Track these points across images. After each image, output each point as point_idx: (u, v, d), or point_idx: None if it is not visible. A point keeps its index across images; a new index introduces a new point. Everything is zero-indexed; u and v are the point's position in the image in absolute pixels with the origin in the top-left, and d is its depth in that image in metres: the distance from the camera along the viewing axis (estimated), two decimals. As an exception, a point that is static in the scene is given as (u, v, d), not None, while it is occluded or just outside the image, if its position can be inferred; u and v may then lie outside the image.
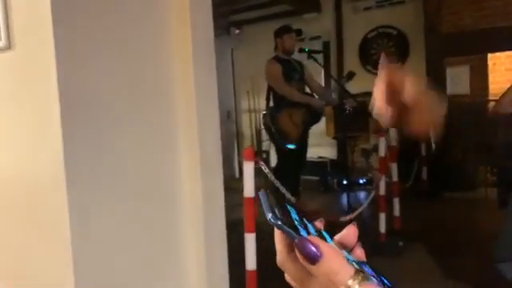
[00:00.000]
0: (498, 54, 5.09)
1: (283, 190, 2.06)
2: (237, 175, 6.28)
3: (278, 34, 3.87)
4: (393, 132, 3.31)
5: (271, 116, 3.60)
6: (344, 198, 4.06)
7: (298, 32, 3.96)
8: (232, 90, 6.64)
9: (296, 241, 0.32)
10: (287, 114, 3.58)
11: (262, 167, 1.95)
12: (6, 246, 1.49)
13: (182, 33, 1.68)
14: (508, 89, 2.68)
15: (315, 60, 3.64)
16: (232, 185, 3.71)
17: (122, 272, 1.51)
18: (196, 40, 1.69)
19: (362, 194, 4.77)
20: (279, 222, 0.33)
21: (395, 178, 3.37)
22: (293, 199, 2.18)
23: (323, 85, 5.41)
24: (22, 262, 1.47)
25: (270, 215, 0.33)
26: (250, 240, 1.89)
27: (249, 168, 1.84)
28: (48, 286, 1.41)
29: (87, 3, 1.37)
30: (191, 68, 1.69)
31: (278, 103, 3.68)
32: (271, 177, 1.96)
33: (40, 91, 1.27)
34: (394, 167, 3.37)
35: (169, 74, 1.69)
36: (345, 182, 4.81)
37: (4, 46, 1.26)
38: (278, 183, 1.97)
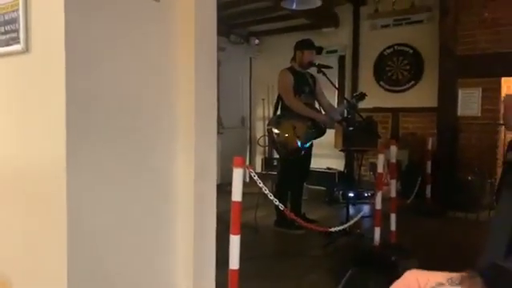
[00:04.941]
0: (513, 78, 5.08)
1: (271, 196, 2.19)
2: (247, 179, 6.41)
3: (300, 47, 3.89)
4: (393, 149, 3.39)
5: (276, 124, 3.71)
6: (347, 211, 4.13)
7: (319, 50, 4.04)
8: (248, 97, 6.80)
9: None
10: (291, 126, 3.69)
11: (252, 174, 2.08)
12: (6, 231, 1.65)
13: (185, 46, 1.82)
14: None
15: (324, 74, 3.74)
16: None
17: (113, 264, 1.64)
18: (198, 53, 1.83)
19: (365, 208, 4.82)
20: None
21: (393, 194, 3.43)
22: (281, 206, 2.29)
23: (336, 98, 5.53)
24: (20, 246, 1.62)
25: None
26: (235, 241, 2.02)
27: (238, 174, 1.98)
28: (42, 271, 1.55)
29: (100, 14, 1.53)
30: (193, 80, 1.82)
31: (285, 113, 3.80)
32: (260, 183, 2.09)
33: (50, 92, 1.44)
34: (392, 183, 3.44)
35: (172, 83, 1.82)
36: (351, 195, 4.88)
37: (22, 49, 1.44)
38: (265, 189, 2.10)
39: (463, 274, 0.46)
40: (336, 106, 4.89)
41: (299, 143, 3.67)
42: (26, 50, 1.44)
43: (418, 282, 0.49)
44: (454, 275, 0.46)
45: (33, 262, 1.58)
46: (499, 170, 4.59)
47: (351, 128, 3.69)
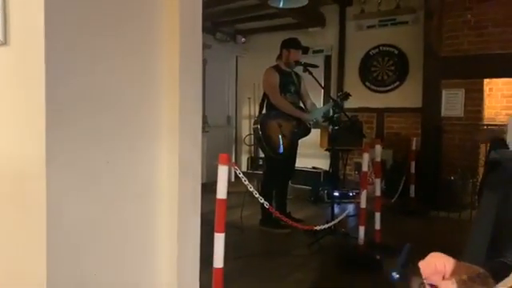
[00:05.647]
0: (495, 79, 5.17)
1: (256, 194, 2.17)
2: (232, 179, 6.39)
3: (287, 45, 3.88)
4: (378, 148, 3.41)
5: (261, 123, 3.69)
6: (331, 210, 4.14)
7: (306, 49, 4.04)
8: (234, 96, 6.77)
9: None
10: (277, 124, 3.69)
11: (237, 172, 2.07)
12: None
13: (170, 43, 1.79)
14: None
15: (310, 73, 3.74)
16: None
17: (95, 264, 1.60)
18: (183, 50, 1.79)
19: (350, 207, 4.84)
20: None
21: (378, 193, 3.46)
22: (266, 204, 2.28)
23: (322, 98, 5.56)
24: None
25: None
26: (219, 239, 2.00)
27: (223, 171, 1.96)
28: (20, 273, 1.50)
29: (82, 9, 1.48)
30: (177, 78, 1.78)
31: (271, 112, 3.79)
32: (245, 181, 2.08)
33: (29, 87, 1.39)
34: (377, 182, 3.46)
35: (156, 81, 1.78)
36: (336, 194, 4.89)
37: (0, 42, 1.39)
38: (251, 187, 2.08)
39: (485, 272, 0.46)
40: (322, 105, 4.91)
41: (281, 147, 3.67)
42: (4, 42, 1.40)
43: (445, 268, 0.48)
44: (481, 272, 0.46)
45: (10, 264, 1.53)
46: (481, 170, 4.66)
47: (336, 127, 3.70)
